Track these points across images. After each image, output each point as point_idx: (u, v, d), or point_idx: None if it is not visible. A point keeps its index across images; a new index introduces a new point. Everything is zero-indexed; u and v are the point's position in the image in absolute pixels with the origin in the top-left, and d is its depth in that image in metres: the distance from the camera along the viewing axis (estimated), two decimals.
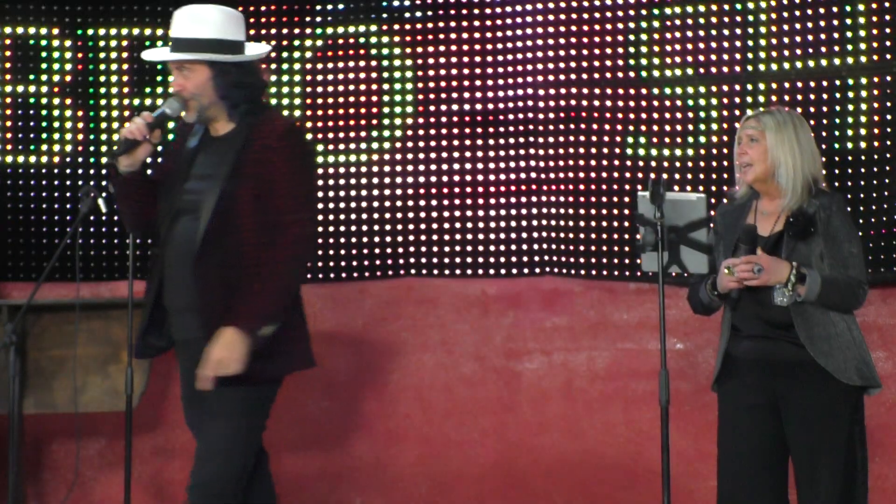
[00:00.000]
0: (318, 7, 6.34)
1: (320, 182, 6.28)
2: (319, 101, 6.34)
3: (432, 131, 6.26)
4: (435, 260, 6.24)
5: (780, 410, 4.03)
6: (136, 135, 3.84)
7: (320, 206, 6.27)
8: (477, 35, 6.23)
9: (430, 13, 6.27)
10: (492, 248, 6.19)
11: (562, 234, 6.10)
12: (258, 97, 3.94)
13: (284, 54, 6.34)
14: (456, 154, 6.24)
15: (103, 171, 4.26)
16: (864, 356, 4.03)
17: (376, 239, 6.29)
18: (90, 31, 6.40)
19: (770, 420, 4.04)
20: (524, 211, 6.16)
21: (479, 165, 6.21)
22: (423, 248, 6.24)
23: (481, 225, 6.20)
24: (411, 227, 6.25)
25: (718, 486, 4.13)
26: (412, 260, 6.25)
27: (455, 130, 6.24)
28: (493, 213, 6.19)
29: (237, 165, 3.80)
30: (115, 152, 3.87)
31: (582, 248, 6.06)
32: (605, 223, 6.05)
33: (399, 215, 6.26)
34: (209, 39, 3.83)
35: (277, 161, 3.80)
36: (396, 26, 6.29)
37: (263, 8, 6.36)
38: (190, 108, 3.88)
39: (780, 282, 3.95)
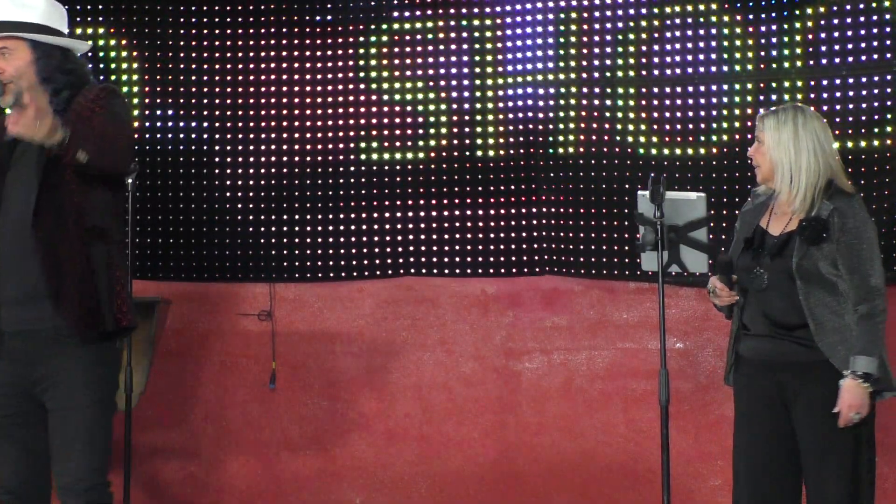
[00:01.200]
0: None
1: (319, 182, 6.29)
2: (330, 99, 6.34)
3: (432, 130, 6.26)
4: (435, 259, 6.24)
5: (789, 409, 4.02)
6: None
7: (319, 206, 6.28)
8: (476, 34, 6.22)
9: (430, 11, 6.27)
10: (492, 247, 6.19)
11: (562, 234, 6.10)
12: (81, 87, 3.76)
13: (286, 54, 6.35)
14: (456, 154, 6.23)
15: None
16: (880, 359, 4.00)
17: (376, 238, 6.28)
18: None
19: (783, 418, 4.03)
20: (524, 211, 6.15)
21: (479, 165, 6.20)
22: (423, 248, 6.24)
23: (481, 225, 6.20)
24: (411, 226, 6.24)
25: (734, 481, 4.12)
26: (412, 259, 6.24)
27: (455, 130, 6.23)
28: (493, 212, 6.18)
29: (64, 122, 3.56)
30: None
31: (582, 247, 6.06)
32: (605, 223, 6.04)
33: (399, 215, 6.25)
34: (33, 23, 3.73)
35: (97, 112, 3.68)
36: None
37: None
38: (7, 90, 3.70)
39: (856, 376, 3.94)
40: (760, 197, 4.18)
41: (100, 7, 6.41)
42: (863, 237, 3.98)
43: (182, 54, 6.38)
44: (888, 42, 5.68)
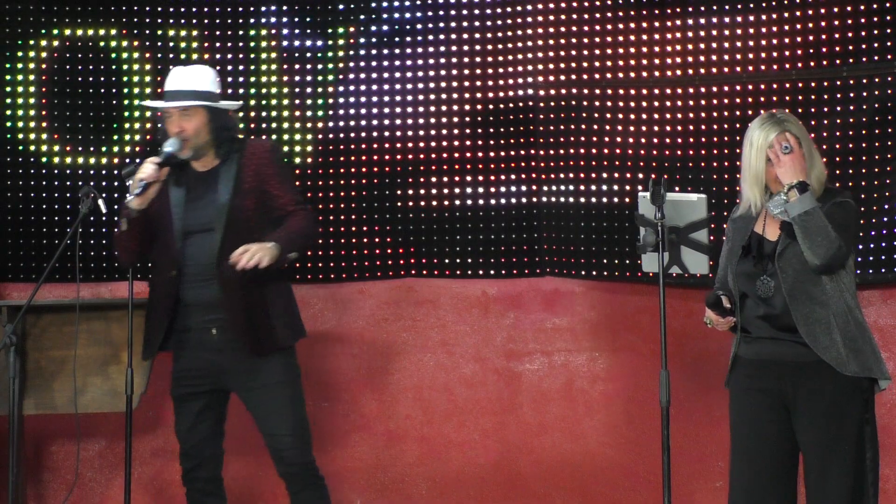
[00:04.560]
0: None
1: (320, 183, 6.29)
2: (331, 100, 6.33)
3: (433, 132, 6.25)
4: (435, 260, 6.24)
5: (790, 410, 4.03)
6: (151, 177, 4.59)
7: (320, 207, 6.29)
8: (477, 35, 6.22)
9: (430, 13, 6.27)
10: (492, 248, 6.19)
11: (562, 235, 6.10)
12: (236, 137, 4.86)
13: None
14: (456, 154, 6.23)
15: (117, 213, 4.82)
16: (865, 346, 4.01)
17: (376, 239, 6.28)
18: (79, 32, 6.40)
19: (780, 420, 4.04)
20: (524, 211, 6.15)
21: (480, 165, 6.20)
22: (423, 249, 6.24)
23: (481, 225, 6.20)
24: (411, 227, 6.24)
25: (730, 485, 4.13)
26: (412, 260, 6.24)
27: (455, 131, 6.23)
28: (493, 213, 6.18)
29: (237, 186, 4.68)
30: (133, 195, 4.58)
31: (583, 249, 6.06)
32: (605, 223, 6.04)
33: (399, 216, 6.25)
34: (206, 91, 4.75)
35: (267, 165, 4.76)
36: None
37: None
38: (186, 146, 4.70)
39: (789, 182, 3.95)
40: (749, 202, 4.21)
41: (112, 8, 6.39)
42: (842, 208, 4.02)
43: (183, 54, 6.38)
44: (888, 42, 5.68)
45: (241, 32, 6.35)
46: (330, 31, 6.31)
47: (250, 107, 6.31)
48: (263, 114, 6.34)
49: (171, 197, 4.73)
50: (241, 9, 6.36)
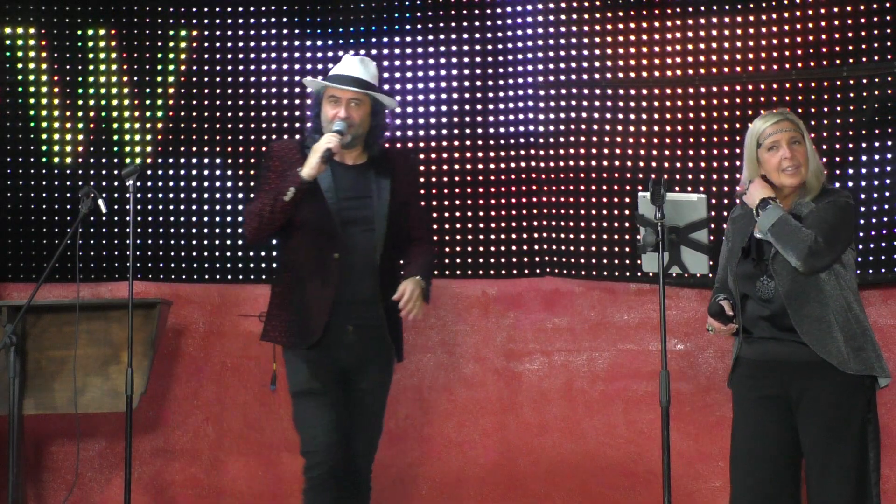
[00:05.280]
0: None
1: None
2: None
3: (432, 132, 6.26)
4: (435, 261, 6.23)
5: (792, 411, 4.03)
6: (336, 148, 4.54)
7: None
8: (477, 35, 6.22)
9: (430, 13, 6.27)
10: (492, 248, 6.19)
11: (562, 235, 6.10)
12: (383, 136, 4.81)
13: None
14: (456, 154, 6.23)
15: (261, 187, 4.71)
16: (867, 344, 4.01)
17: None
18: (79, 32, 6.40)
19: (782, 420, 4.04)
20: (524, 211, 6.15)
21: (480, 166, 6.20)
22: None
23: (482, 226, 6.20)
24: None
25: (732, 486, 4.13)
26: None
27: (455, 131, 6.23)
28: (493, 213, 6.18)
29: (394, 191, 4.67)
30: (319, 160, 4.50)
31: (582, 248, 6.06)
32: (605, 223, 6.05)
33: None
34: (376, 85, 4.71)
35: (414, 184, 4.89)
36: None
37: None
38: (348, 133, 4.61)
39: (752, 206, 4.09)
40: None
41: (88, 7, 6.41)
42: (835, 207, 4.03)
43: (183, 56, 6.38)
44: (888, 42, 5.68)
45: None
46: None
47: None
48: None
49: (320, 183, 4.62)
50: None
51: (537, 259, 6.14)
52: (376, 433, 4.86)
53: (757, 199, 4.07)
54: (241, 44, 6.38)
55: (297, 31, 6.36)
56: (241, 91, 6.36)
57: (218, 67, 6.38)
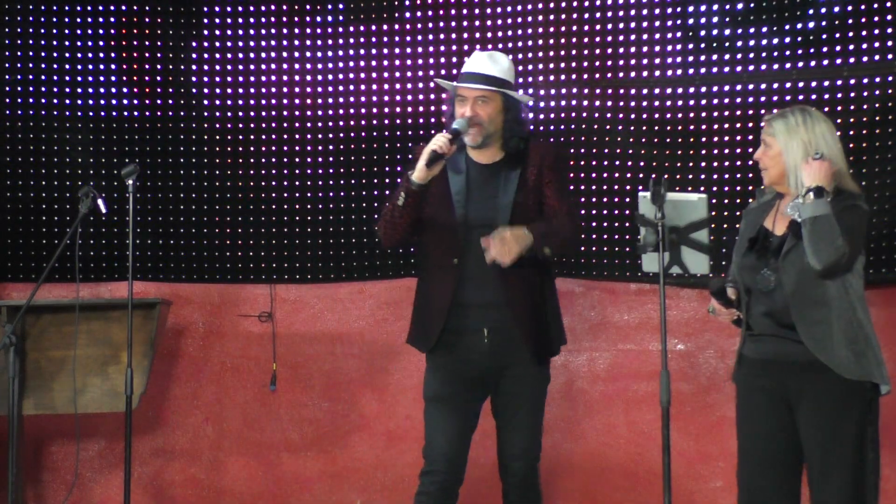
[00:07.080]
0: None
1: (320, 183, 6.29)
2: (331, 100, 6.33)
3: (433, 132, 6.24)
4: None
5: (793, 410, 4.02)
6: (443, 149, 4.37)
7: (320, 206, 6.29)
8: (477, 35, 6.22)
9: (430, 12, 6.27)
10: None
11: None
12: (525, 132, 4.65)
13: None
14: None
15: (397, 186, 4.54)
16: (868, 350, 4.00)
17: (377, 240, 6.26)
18: (79, 31, 6.40)
19: (784, 419, 4.03)
20: None
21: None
22: None
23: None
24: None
25: (738, 484, 4.13)
26: (412, 261, 6.23)
27: None
28: None
29: (521, 184, 4.48)
30: (424, 164, 4.36)
31: (583, 248, 6.05)
32: (605, 223, 6.04)
33: None
34: (505, 80, 4.54)
35: (552, 168, 4.54)
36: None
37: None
38: (474, 132, 4.48)
39: (808, 185, 3.95)
40: (766, 196, 4.20)
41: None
42: (853, 213, 3.99)
43: (183, 55, 6.38)
44: (888, 42, 5.67)
45: None
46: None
47: None
48: None
49: (451, 184, 4.53)
50: None
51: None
52: (531, 434, 4.57)
53: (814, 182, 3.96)
54: (241, 44, 6.38)
55: (297, 30, 6.36)
56: (241, 91, 6.37)
57: (218, 67, 6.38)
